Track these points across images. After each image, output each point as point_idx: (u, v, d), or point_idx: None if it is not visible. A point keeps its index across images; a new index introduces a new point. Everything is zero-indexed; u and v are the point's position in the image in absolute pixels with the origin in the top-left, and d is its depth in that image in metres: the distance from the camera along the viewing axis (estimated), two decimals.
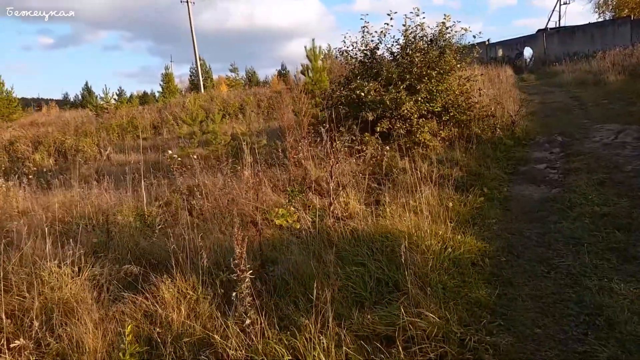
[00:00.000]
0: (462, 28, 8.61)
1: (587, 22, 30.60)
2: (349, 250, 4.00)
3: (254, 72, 43.26)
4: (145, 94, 39.25)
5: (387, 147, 8.01)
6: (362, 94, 7.95)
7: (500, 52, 34.31)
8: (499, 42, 35.21)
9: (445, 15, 8.45)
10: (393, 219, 4.56)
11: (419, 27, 8.58)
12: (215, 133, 12.65)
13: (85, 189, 7.87)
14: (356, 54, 9.08)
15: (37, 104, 46.53)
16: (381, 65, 8.36)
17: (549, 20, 39.04)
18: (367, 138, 7.89)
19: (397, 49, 8.85)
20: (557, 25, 35.97)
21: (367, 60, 8.92)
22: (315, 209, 5.22)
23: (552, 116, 11.40)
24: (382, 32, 8.82)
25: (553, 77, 22.57)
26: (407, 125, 7.96)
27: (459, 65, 8.61)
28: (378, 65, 8.46)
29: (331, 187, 4.58)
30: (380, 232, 4.24)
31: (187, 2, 29.74)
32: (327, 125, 7.45)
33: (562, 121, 10.45)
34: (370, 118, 7.94)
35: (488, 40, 35.37)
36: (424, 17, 8.22)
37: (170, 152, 7.66)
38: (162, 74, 31.22)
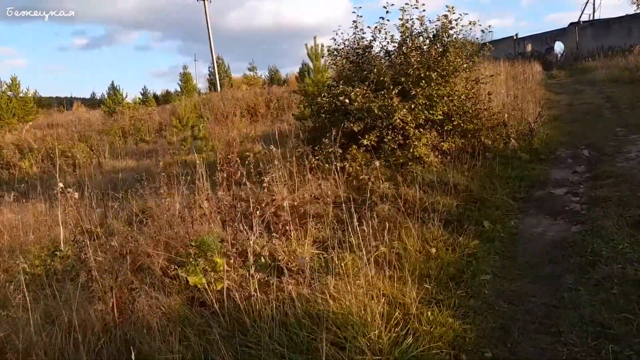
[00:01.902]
0: (469, 22, 7.15)
1: (625, 14, 28.04)
2: (259, 345, 2.73)
3: (277, 70, 42.04)
4: (168, 92, 38.66)
5: (377, 163, 6.68)
6: (347, 100, 6.62)
7: (529, 47, 32.00)
8: (528, 36, 32.87)
9: (448, 6, 7.01)
10: (340, 284, 3.26)
11: (417, 21, 7.17)
12: (206, 139, 11.54)
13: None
14: (347, 53, 7.75)
15: (70, 102, 46.90)
16: (372, 65, 6.99)
17: (582, 12, 36.23)
18: (353, 151, 6.58)
19: (394, 47, 7.48)
20: (591, 18, 33.34)
21: (360, 60, 7.56)
22: (259, 258, 3.97)
23: (580, 121, 9.75)
24: (376, 27, 7.45)
25: (585, 73, 20.51)
26: (399, 137, 6.59)
27: (465, 65, 7.16)
28: (369, 66, 7.10)
29: (251, 243, 3.28)
30: (313, 310, 2.95)
31: (204, 0, 28.81)
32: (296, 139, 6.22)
33: (590, 128, 8.81)
34: (356, 129, 6.61)
35: (516, 34, 33.19)
36: (424, 10, 6.79)
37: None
38: (181, 73, 30.43)
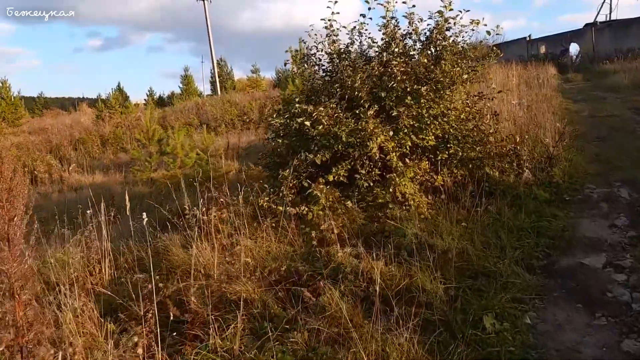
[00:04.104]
0: (471, 21, 5.37)
1: None
2: None
3: (284, 71, 40.31)
4: (173, 94, 37.22)
5: (349, 203, 4.98)
6: (307, 123, 4.91)
7: (543, 49, 29.81)
8: (541, 38, 30.66)
9: (443, 1, 5.23)
10: None
11: (405, 20, 5.44)
12: (175, 154, 9.92)
13: None
14: (320, 59, 6.05)
15: (80, 103, 45.87)
16: (345, 76, 5.27)
17: (598, 13, 33.78)
18: (317, 189, 4.86)
19: (375, 52, 5.75)
20: (608, 19, 30.91)
21: (334, 69, 5.84)
22: None
23: (607, 140, 7.88)
24: (354, 28, 5.73)
25: (604, 77, 18.42)
26: (376, 171, 4.87)
27: (465, 76, 5.39)
28: (341, 77, 5.38)
29: None
30: None
31: (204, 1, 27.23)
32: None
33: (623, 152, 6.95)
34: (319, 160, 4.90)
35: (529, 36, 31.00)
36: (413, 6, 5.00)
37: None
38: (182, 75, 28.96)
